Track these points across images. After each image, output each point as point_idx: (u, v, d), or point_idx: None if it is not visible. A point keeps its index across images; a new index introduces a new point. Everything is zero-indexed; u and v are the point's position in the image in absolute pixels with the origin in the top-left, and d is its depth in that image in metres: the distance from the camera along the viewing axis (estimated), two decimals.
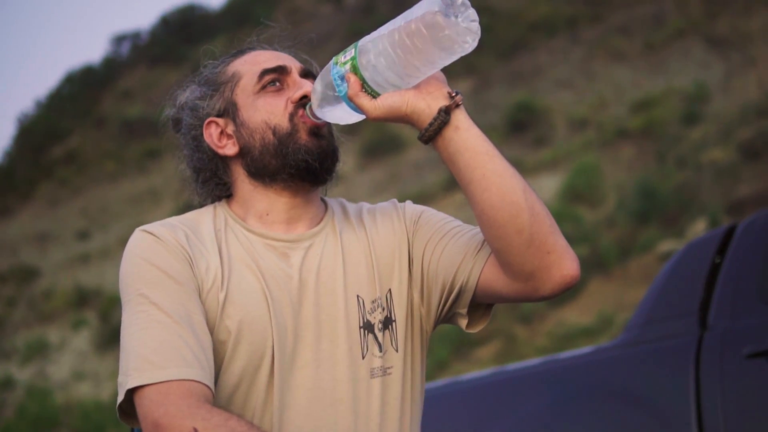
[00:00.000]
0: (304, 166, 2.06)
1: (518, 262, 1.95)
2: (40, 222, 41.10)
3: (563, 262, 1.95)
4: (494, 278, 2.02)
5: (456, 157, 1.96)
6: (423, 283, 2.11)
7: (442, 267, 2.08)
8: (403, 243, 2.13)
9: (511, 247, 1.94)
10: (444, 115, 1.94)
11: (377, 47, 1.93)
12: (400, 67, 1.92)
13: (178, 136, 2.20)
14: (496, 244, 1.96)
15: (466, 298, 2.07)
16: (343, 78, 1.97)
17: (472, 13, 1.88)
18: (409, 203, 2.21)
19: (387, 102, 1.96)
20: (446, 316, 2.14)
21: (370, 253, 2.11)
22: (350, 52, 1.97)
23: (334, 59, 1.99)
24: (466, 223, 2.14)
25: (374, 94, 1.97)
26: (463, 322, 2.12)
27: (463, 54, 1.91)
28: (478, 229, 2.06)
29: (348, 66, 1.96)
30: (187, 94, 2.18)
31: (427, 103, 1.95)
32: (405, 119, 1.98)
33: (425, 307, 2.12)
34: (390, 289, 2.10)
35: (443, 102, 1.95)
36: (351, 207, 2.21)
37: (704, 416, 3.27)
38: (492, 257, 2.02)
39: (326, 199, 2.20)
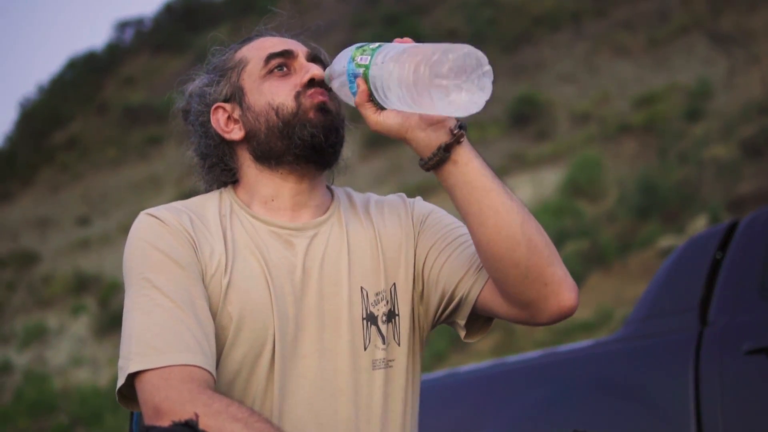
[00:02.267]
0: (309, 141, 2.05)
1: (515, 292, 1.96)
2: (40, 207, 41.11)
3: (560, 294, 1.95)
4: (493, 299, 2.03)
5: (454, 190, 1.96)
6: (423, 285, 2.12)
7: (443, 276, 2.08)
8: (409, 239, 2.13)
9: (507, 278, 1.95)
10: (443, 153, 1.94)
11: (388, 67, 1.91)
12: (405, 95, 1.89)
13: (187, 125, 2.20)
14: (494, 275, 1.98)
15: (465, 312, 2.08)
16: (356, 77, 1.96)
17: (485, 82, 1.86)
18: (419, 200, 2.21)
19: (389, 122, 1.97)
20: (444, 321, 2.14)
21: (377, 245, 2.11)
22: (366, 56, 1.95)
23: (354, 51, 1.98)
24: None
25: (380, 107, 1.96)
26: (462, 333, 2.12)
27: (461, 116, 1.88)
28: None
29: (361, 71, 1.95)
30: (195, 83, 2.18)
31: (428, 135, 1.95)
32: (405, 142, 1.98)
33: (423, 307, 2.13)
34: (395, 284, 2.10)
35: (444, 138, 1.94)
36: (357, 197, 2.20)
37: (703, 412, 3.28)
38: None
39: (333, 187, 2.20)
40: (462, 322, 2.10)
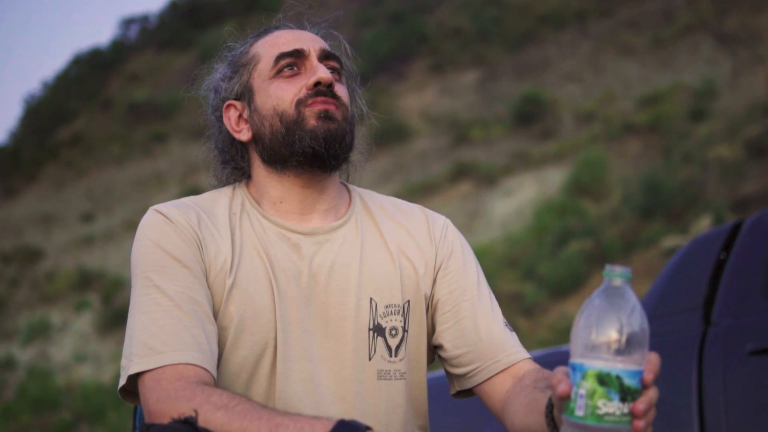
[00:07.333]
0: (310, 152, 2.02)
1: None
2: (44, 203, 41.12)
3: None
4: (487, 396, 2.08)
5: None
6: (427, 321, 2.12)
7: (449, 335, 2.10)
8: (428, 268, 2.12)
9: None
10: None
11: None
12: None
13: (209, 116, 2.18)
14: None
15: (463, 385, 2.12)
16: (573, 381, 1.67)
17: None
18: (448, 228, 2.18)
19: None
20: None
21: (393, 259, 2.09)
22: (580, 412, 1.63)
23: (597, 386, 1.62)
24: (489, 290, 2.14)
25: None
26: (453, 389, 2.16)
27: None
28: (501, 319, 2.10)
29: (567, 399, 1.68)
30: (214, 74, 2.17)
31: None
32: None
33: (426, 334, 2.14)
34: (409, 301, 2.08)
35: None
36: (377, 204, 2.18)
37: (706, 412, 3.27)
38: (498, 377, 2.06)
39: (351, 188, 2.18)
40: (458, 388, 2.14)
